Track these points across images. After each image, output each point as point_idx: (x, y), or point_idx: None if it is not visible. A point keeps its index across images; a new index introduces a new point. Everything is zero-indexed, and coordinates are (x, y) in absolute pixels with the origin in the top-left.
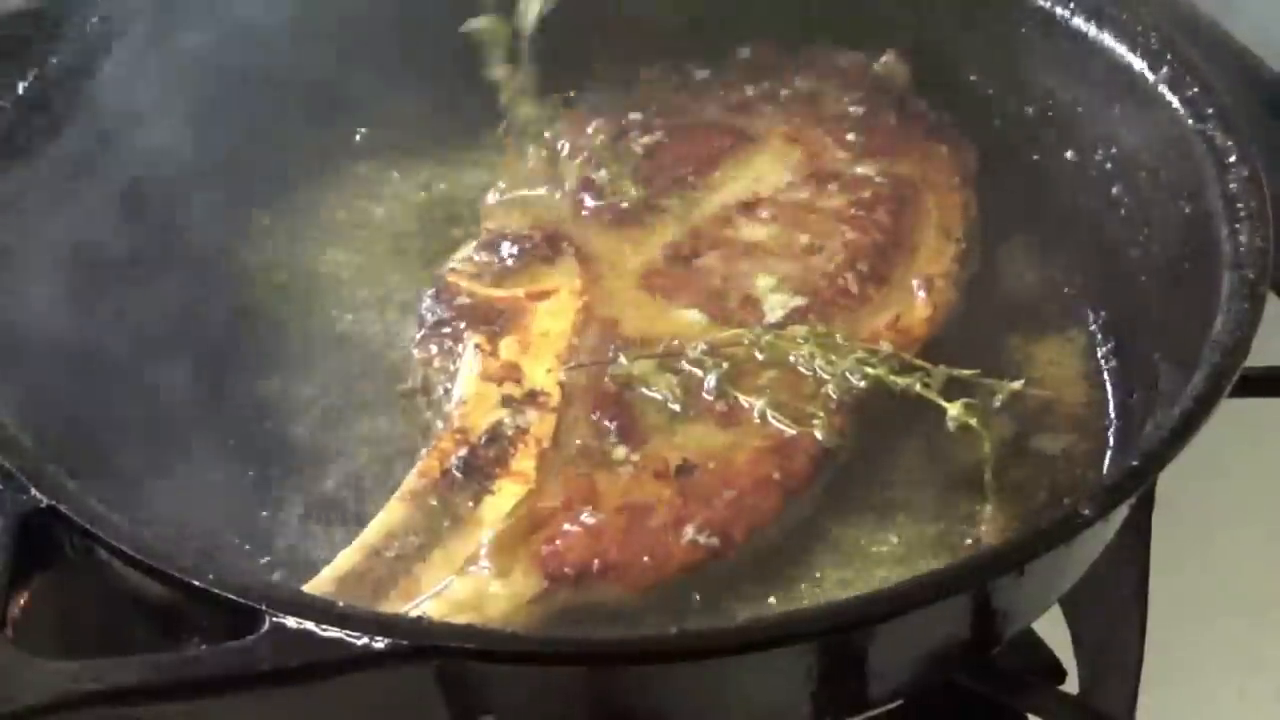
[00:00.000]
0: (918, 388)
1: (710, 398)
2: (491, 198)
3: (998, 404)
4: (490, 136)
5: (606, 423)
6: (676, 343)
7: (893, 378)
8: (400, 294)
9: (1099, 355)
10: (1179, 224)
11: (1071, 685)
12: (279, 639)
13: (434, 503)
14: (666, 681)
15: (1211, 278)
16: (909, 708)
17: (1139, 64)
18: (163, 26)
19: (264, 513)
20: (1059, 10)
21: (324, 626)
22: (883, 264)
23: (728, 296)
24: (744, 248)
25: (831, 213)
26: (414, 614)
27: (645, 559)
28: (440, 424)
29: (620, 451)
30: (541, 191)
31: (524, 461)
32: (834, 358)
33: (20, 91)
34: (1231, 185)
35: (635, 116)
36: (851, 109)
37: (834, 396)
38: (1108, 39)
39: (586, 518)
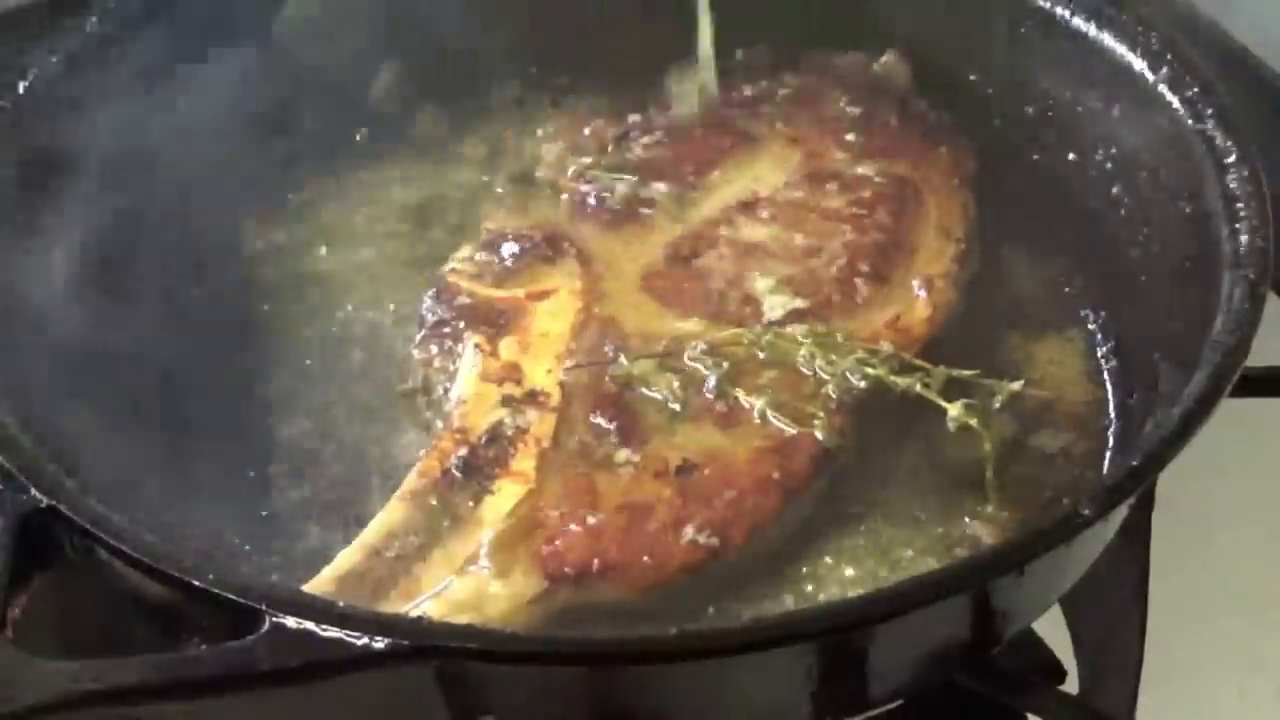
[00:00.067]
0: (918, 388)
1: (710, 398)
2: (492, 198)
3: (998, 404)
4: (491, 137)
5: (606, 423)
6: (677, 343)
7: (893, 378)
8: (400, 294)
9: (1099, 355)
10: (1179, 224)
11: (1071, 685)
12: (279, 639)
13: (434, 503)
14: (666, 681)
15: (1211, 278)
16: (909, 708)
17: (1139, 64)
18: (162, 27)
19: (264, 513)
20: (1059, 10)
21: (324, 626)
22: (883, 264)
23: (728, 296)
24: (744, 248)
25: (831, 213)
26: (414, 614)
27: (645, 559)
28: (440, 424)
29: (620, 452)
30: (542, 192)
31: (524, 461)
32: (834, 358)
33: (20, 91)
34: (1231, 185)
35: (635, 117)
36: (851, 109)
37: (834, 396)
38: (1108, 39)
39: (586, 518)
